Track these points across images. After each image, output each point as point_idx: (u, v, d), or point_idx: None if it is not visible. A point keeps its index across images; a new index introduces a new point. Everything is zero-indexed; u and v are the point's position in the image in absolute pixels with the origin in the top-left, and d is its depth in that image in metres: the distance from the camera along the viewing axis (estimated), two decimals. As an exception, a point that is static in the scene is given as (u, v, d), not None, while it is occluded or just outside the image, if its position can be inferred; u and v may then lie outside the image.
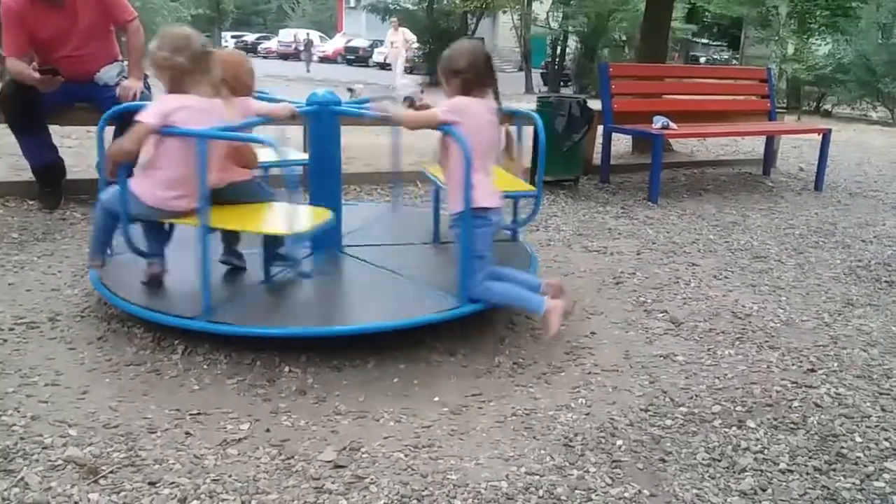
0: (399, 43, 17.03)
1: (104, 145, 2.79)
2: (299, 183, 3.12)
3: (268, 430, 2.10)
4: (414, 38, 18.78)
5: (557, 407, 2.33)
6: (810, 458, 2.11)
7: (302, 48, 29.65)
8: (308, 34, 31.58)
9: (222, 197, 2.65)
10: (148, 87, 4.17)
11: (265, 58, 35.75)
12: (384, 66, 25.05)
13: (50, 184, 4.22)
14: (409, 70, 26.63)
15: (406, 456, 2.01)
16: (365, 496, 1.82)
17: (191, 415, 2.15)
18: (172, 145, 2.54)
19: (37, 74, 3.78)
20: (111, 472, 1.85)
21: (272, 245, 2.86)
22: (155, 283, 2.77)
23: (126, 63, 4.15)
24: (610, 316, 3.15)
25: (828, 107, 19.76)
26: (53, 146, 4.21)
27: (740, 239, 4.54)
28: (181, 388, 2.32)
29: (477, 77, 2.68)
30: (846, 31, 19.07)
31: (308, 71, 25.22)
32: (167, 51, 2.53)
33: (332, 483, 1.87)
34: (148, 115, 2.50)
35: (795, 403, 2.43)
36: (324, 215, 2.81)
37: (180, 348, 2.54)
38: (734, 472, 2.02)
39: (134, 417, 2.12)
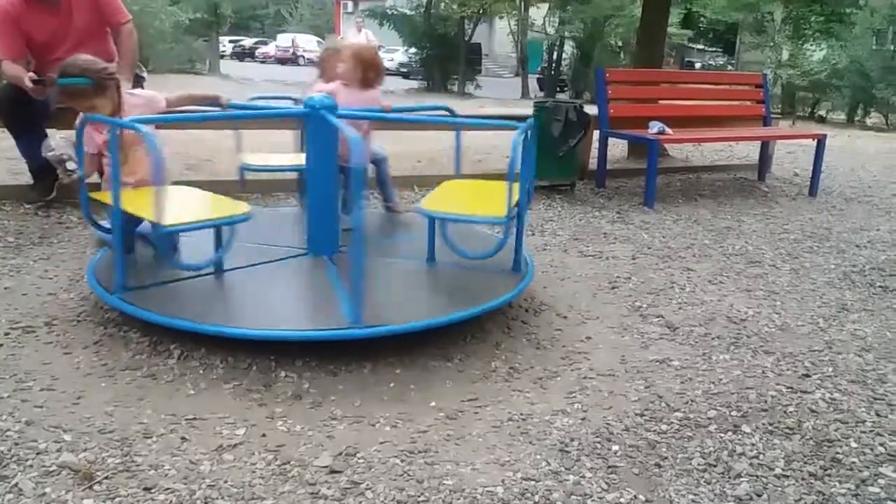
0: None
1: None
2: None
3: (263, 436, 2.10)
4: (377, 41, 18.08)
5: (553, 412, 2.33)
6: (805, 463, 2.11)
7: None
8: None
9: None
10: (142, 88, 4.16)
11: (263, 62, 35.81)
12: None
13: (47, 181, 4.22)
14: (407, 75, 26.55)
15: (402, 461, 2.01)
16: (361, 502, 1.82)
17: (186, 420, 2.15)
18: None
19: (30, 83, 3.76)
20: (106, 477, 1.85)
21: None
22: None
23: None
24: (605, 321, 3.15)
25: (822, 112, 19.85)
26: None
27: (735, 244, 4.55)
28: (177, 392, 2.32)
29: None
30: (841, 36, 19.19)
31: None
32: None
33: (328, 489, 1.87)
34: None
35: (790, 408, 2.44)
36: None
37: (176, 353, 2.54)
38: (729, 478, 2.02)
39: (129, 422, 2.11)
